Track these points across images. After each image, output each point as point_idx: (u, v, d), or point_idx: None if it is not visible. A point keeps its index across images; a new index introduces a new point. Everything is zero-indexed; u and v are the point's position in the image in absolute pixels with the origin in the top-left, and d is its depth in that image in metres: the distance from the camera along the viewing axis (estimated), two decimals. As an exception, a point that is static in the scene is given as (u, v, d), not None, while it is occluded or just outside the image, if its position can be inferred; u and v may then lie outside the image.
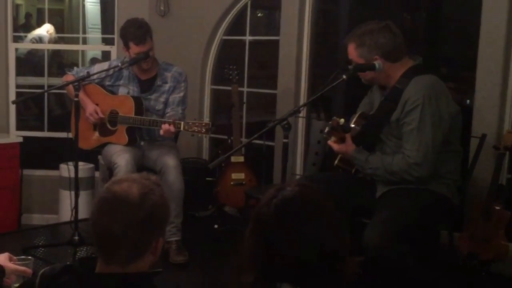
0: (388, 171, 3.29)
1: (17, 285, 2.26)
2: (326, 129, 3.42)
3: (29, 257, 2.40)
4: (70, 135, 4.59)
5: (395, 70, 3.37)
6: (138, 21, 4.46)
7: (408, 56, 3.42)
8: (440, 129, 3.24)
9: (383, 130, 3.39)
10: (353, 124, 3.49)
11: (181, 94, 4.57)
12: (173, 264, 4.27)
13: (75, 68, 4.78)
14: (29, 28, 7.08)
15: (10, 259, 2.30)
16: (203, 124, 4.06)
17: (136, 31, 4.37)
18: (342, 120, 3.36)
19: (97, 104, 4.51)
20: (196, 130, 4.06)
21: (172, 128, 4.15)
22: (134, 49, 4.38)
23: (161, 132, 4.21)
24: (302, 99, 5.06)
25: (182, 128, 4.11)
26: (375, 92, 3.64)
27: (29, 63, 6.53)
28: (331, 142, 3.45)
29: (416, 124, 3.21)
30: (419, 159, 3.20)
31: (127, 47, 4.43)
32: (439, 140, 3.24)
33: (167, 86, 4.54)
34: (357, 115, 3.57)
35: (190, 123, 4.09)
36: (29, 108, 6.41)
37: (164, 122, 4.18)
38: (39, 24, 6.70)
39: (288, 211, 1.76)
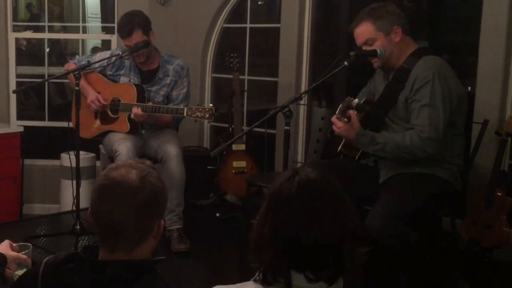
0: (398, 145, 3.22)
1: (17, 272, 2.26)
2: (339, 108, 3.33)
3: (29, 244, 2.40)
4: (71, 124, 4.58)
5: (406, 46, 3.35)
6: (129, 14, 4.42)
7: (413, 40, 3.41)
8: (449, 105, 3.21)
9: (389, 112, 3.36)
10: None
11: (184, 90, 4.55)
12: (175, 252, 4.27)
13: (77, 56, 4.77)
14: (34, 17, 7.05)
15: (10, 246, 2.31)
16: (207, 109, 4.06)
17: (123, 25, 4.36)
18: (356, 100, 3.29)
19: (99, 92, 4.50)
20: (200, 116, 4.06)
21: (139, 111, 4.18)
22: (123, 42, 4.41)
23: (132, 115, 4.26)
24: (303, 87, 5.05)
25: (185, 114, 4.11)
26: (376, 78, 3.60)
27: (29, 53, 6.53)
28: (334, 119, 3.34)
29: (427, 100, 3.18)
30: (432, 134, 3.16)
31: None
32: (448, 116, 3.21)
33: (168, 79, 4.52)
34: (363, 100, 3.53)
35: (193, 109, 4.09)
36: (30, 97, 6.40)
37: (138, 106, 4.22)
38: (40, 14, 6.67)
39: (312, 189, 1.74)
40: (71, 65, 4.52)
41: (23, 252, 2.33)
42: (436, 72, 3.20)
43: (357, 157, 3.50)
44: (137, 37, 4.33)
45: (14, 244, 2.33)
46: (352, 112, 3.31)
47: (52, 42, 6.38)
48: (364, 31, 3.34)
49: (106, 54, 4.59)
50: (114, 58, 4.45)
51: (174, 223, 4.35)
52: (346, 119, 3.31)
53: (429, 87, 3.18)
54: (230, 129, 5.13)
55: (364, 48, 3.37)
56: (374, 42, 3.33)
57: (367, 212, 3.16)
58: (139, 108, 4.22)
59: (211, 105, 4.17)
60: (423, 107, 3.19)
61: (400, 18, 3.34)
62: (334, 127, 3.39)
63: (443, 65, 3.30)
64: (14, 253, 2.27)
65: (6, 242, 2.31)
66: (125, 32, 4.34)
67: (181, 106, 4.44)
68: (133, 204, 1.78)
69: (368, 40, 3.33)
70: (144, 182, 1.81)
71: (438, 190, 3.31)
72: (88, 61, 4.40)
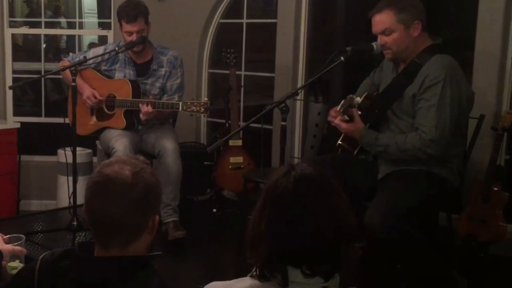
0: (400, 148, 3.21)
1: (11, 263, 2.26)
2: (341, 108, 3.30)
3: (21, 235, 2.40)
4: (67, 120, 4.57)
5: (422, 42, 3.29)
6: (132, 1, 4.43)
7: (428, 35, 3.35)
8: (457, 109, 3.19)
9: (392, 105, 3.32)
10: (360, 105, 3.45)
11: (178, 80, 4.55)
12: (171, 248, 4.26)
13: (71, 53, 4.76)
14: (33, 12, 7.02)
15: (2, 238, 2.30)
16: (202, 103, 4.07)
17: (129, 11, 4.35)
18: (358, 99, 3.28)
19: (94, 89, 4.49)
20: (195, 110, 4.08)
21: (149, 109, 4.18)
22: (125, 27, 4.38)
23: (141, 116, 4.24)
24: (300, 82, 5.05)
25: (180, 109, 4.12)
26: (385, 69, 3.56)
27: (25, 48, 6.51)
28: (338, 121, 3.34)
29: (435, 100, 3.14)
30: (436, 136, 3.14)
31: (120, 26, 4.43)
32: (455, 119, 3.19)
33: (163, 71, 4.53)
34: (363, 96, 3.51)
35: (188, 103, 4.10)
36: (26, 93, 6.39)
37: (143, 103, 4.20)
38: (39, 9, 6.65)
39: (308, 184, 1.75)
40: (65, 63, 4.52)
41: (16, 243, 2.32)
42: (449, 73, 3.15)
43: (355, 152, 3.48)
44: (141, 24, 4.36)
45: (5, 236, 2.33)
46: (355, 111, 3.30)
47: (48, 38, 6.36)
48: (384, 19, 3.26)
49: (100, 49, 4.58)
50: (108, 55, 4.45)
51: (170, 216, 4.35)
52: (347, 117, 3.30)
53: (440, 87, 3.14)
54: (227, 125, 5.12)
55: (380, 37, 3.29)
56: (392, 33, 3.25)
57: (365, 208, 3.16)
58: (149, 105, 4.21)
59: (206, 99, 4.17)
60: (430, 108, 3.16)
61: (422, 13, 3.27)
62: (338, 128, 3.38)
63: (455, 66, 3.25)
64: (9, 246, 2.27)
65: None
66: (131, 17, 4.33)
67: (175, 97, 4.47)
68: (127, 201, 1.78)
69: (386, 30, 3.26)
70: (137, 178, 1.80)
71: (437, 188, 3.29)
72: (84, 57, 4.40)
